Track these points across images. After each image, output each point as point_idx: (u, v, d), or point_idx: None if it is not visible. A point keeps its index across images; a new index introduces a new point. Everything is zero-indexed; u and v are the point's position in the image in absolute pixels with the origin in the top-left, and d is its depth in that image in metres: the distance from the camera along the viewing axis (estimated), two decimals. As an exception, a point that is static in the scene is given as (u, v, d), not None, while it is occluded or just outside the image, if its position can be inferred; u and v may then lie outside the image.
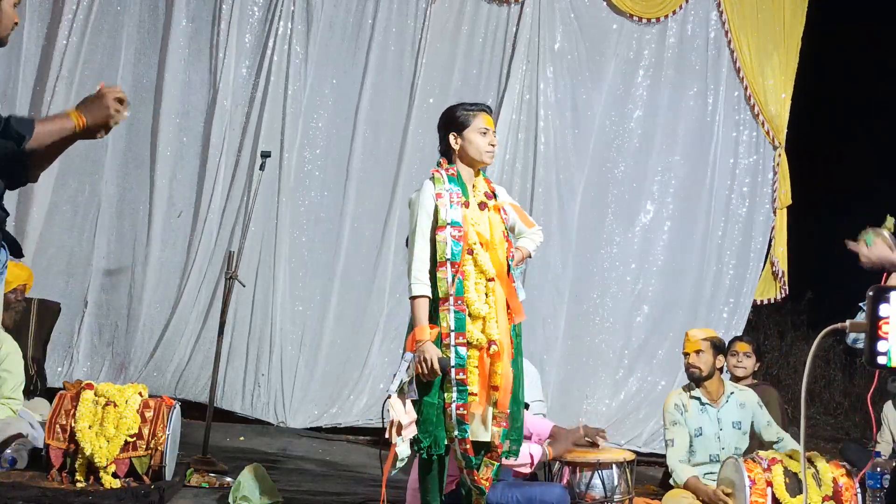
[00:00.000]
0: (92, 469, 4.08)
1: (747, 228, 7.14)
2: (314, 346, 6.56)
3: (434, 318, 3.35)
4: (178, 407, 4.44)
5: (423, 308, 3.33)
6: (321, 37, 6.70)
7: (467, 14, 6.88)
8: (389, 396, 3.23)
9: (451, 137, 3.51)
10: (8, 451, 4.23)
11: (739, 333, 6.78)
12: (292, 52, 6.63)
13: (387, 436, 3.22)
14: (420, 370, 3.25)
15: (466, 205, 3.46)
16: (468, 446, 3.35)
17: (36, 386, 5.24)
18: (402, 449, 3.24)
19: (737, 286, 7.09)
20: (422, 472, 3.43)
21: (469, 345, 3.36)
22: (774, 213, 7.11)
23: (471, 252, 3.42)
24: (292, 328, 6.56)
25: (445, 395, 3.33)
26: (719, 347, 4.60)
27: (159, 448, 4.19)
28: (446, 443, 3.35)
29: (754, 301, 7.14)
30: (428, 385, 3.30)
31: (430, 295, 3.35)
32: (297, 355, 6.53)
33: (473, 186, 3.55)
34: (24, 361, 4.75)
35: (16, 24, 2.96)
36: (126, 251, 6.56)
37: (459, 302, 3.36)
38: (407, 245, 3.57)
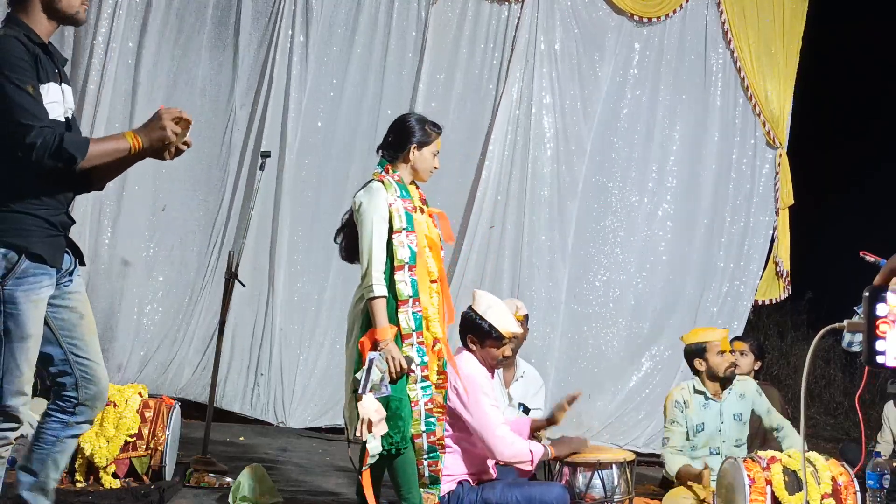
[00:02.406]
0: (92, 469, 4.08)
1: (748, 228, 7.13)
2: (314, 346, 6.57)
3: (392, 319, 3.45)
4: (178, 407, 4.45)
5: (384, 308, 3.43)
6: (321, 37, 6.71)
7: (469, 14, 6.88)
8: (360, 396, 3.30)
9: (413, 148, 3.67)
10: (8, 450, 4.23)
11: (740, 334, 6.79)
12: (293, 52, 6.63)
13: (357, 434, 3.32)
14: (390, 369, 3.36)
15: (415, 210, 3.61)
16: (435, 438, 3.51)
17: (36, 386, 5.23)
18: (374, 445, 3.34)
19: (737, 286, 7.09)
20: (398, 468, 3.49)
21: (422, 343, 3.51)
22: (776, 212, 7.11)
23: (420, 255, 3.56)
24: (293, 328, 6.56)
25: (410, 392, 3.47)
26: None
27: (159, 448, 4.20)
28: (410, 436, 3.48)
29: (756, 301, 7.13)
30: (394, 381, 3.40)
31: (387, 296, 3.46)
32: (297, 355, 6.54)
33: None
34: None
35: None
36: (127, 250, 6.56)
37: (416, 303, 3.50)
38: (336, 240, 3.76)
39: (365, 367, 3.33)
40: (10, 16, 2.87)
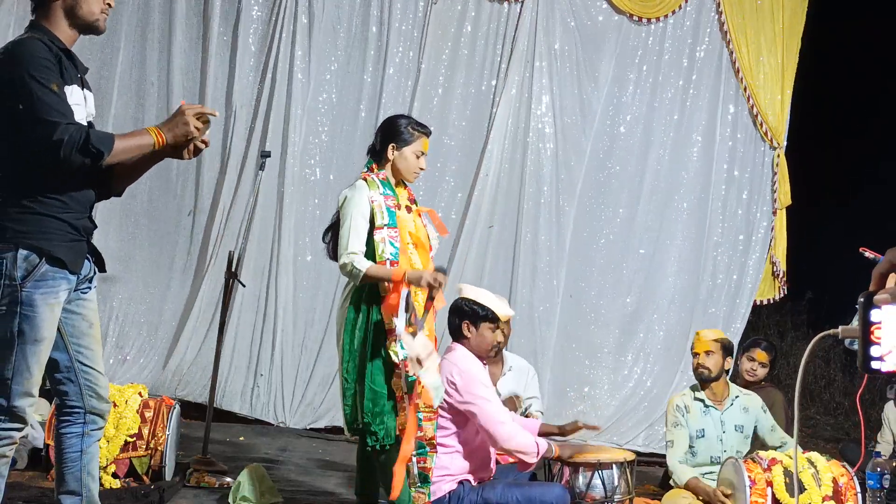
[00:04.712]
0: (92, 469, 4.08)
1: (747, 228, 7.13)
2: (315, 346, 6.56)
3: (377, 316, 3.47)
4: (178, 407, 4.46)
5: (379, 267, 3.45)
6: (323, 37, 6.72)
7: (469, 13, 6.88)
8: (399, 336, 3.35)
9: (391, 148, 3.65)
10: (8, 450, 4.23)
11: (740, 334, 6.79)
12: (295, 53, 6.64)
13: (409, 370, 3.36)
14: (430, 287, 3.40)
15: (398, 207, 3.61)
16: (422, 434, 3.52)
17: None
18: (432, 379, 3.38)
19: (736, 286, 7.09)
20: (386, 465, 3.49)
21: None
22: (774, 213, 7.11)
23: (404, 252, 3.57)
24: (293, 329, 6.57)
25: (394, 386, 3.47)
26: (728, 349, 4.62)
27: (159, 448, 4.21)
28: (396, 433, 3.48)
29: (754, 301, 7.13)
30: (377, 373, 3.44)
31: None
32: (297, 356, 6.54)
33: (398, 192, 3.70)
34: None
35: (109, 5, 2.94)
36: (128, 250, 6.57)
37: None
38: (324, 240, 3.74)
39: (401, 304, 3.37)
40: (33, 22, 2.89)
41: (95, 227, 2.97)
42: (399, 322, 3.35)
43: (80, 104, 2.85)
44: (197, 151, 2.94)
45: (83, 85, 2.93)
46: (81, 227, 2.86)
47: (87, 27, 2.91)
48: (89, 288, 2.97)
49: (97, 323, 3.01)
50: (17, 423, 2.80)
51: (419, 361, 3.33)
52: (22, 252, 2.72)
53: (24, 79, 2.69)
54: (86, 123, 2.86)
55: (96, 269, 3.01)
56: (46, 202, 2.77)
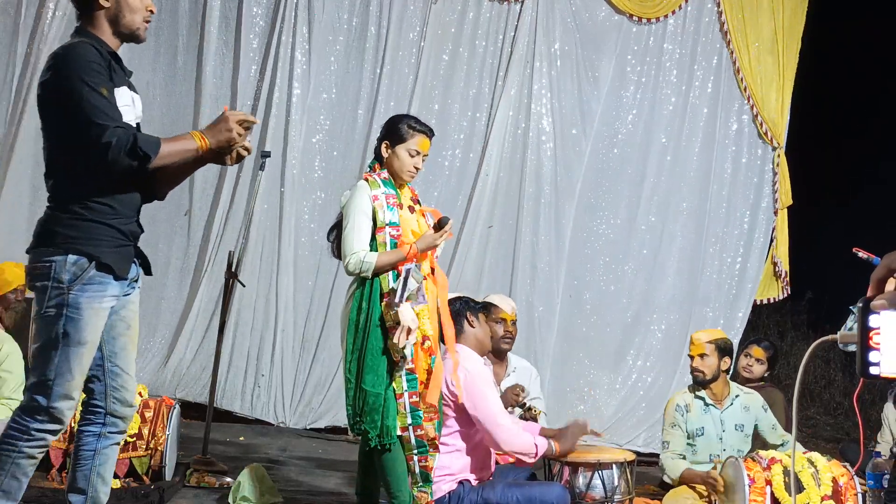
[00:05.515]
0: (92, 469, 4.08)
1: (747, 228, 7.13)
2: (315, 346, 6.57)
3: (378, 313, 3.47)
4: (178, 407, 4.46)
5: (388, 253, 3.47)
6: (323, 37, 6.72)
7: (469, 14, 6.88)
8: (398, 305, 3.37)
9: (384, 146, 3.65)
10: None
11: (740, 334, 6.79)
12: (296, 53, 6.64)
13: (395, 339, 3.39)
14: (441, 241, 3.51)
15: (400, 206, 3.60)
16: (422, 432, 3.51)
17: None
18: (410, 351, 3.44)
19: (737, 286, 7.09)
20: (385, 464, 3.49)
21: None
22: (775, 213, 7.11)
23: None
24: (294, 328, 6.57)
25: (395, 385, 3.47)
26: (724, 350, 4.60)
27: (159, 448, 4.21)
28: (398, 433, 3.48)
29: (755, 301, 7.14)
30: (369, 373, 3.43)
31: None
32: (297, 355, 6.54)
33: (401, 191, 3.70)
34: (23, 362, 4.75)
35: (151, 12, 2.98)
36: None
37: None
38: (329, 238, 3.75)
39: (401, 277, 3.40)
40: (79, 28, 2.94)
41: (143, 230, 3.02)
42: (398, 292, 3.38)
43: (129, 105, 2.90)
44: (239, 158, 2.98)
45: (131, 87, 2.97)
46: (129, 232, 2.91)
47: (129, 36, 2.96)
48: (133, 289, 2.99)
49: (135, 325, 3.04)
50: (54, 425, 2.82)
51: (409, 331, 3.38)
52: (71, 257, 2.77)
53: (75, 82, 2.74)
54: (134, 125, 2.91)
55: (142, 271, 3.04)
56: (96, 208, 2.81)
